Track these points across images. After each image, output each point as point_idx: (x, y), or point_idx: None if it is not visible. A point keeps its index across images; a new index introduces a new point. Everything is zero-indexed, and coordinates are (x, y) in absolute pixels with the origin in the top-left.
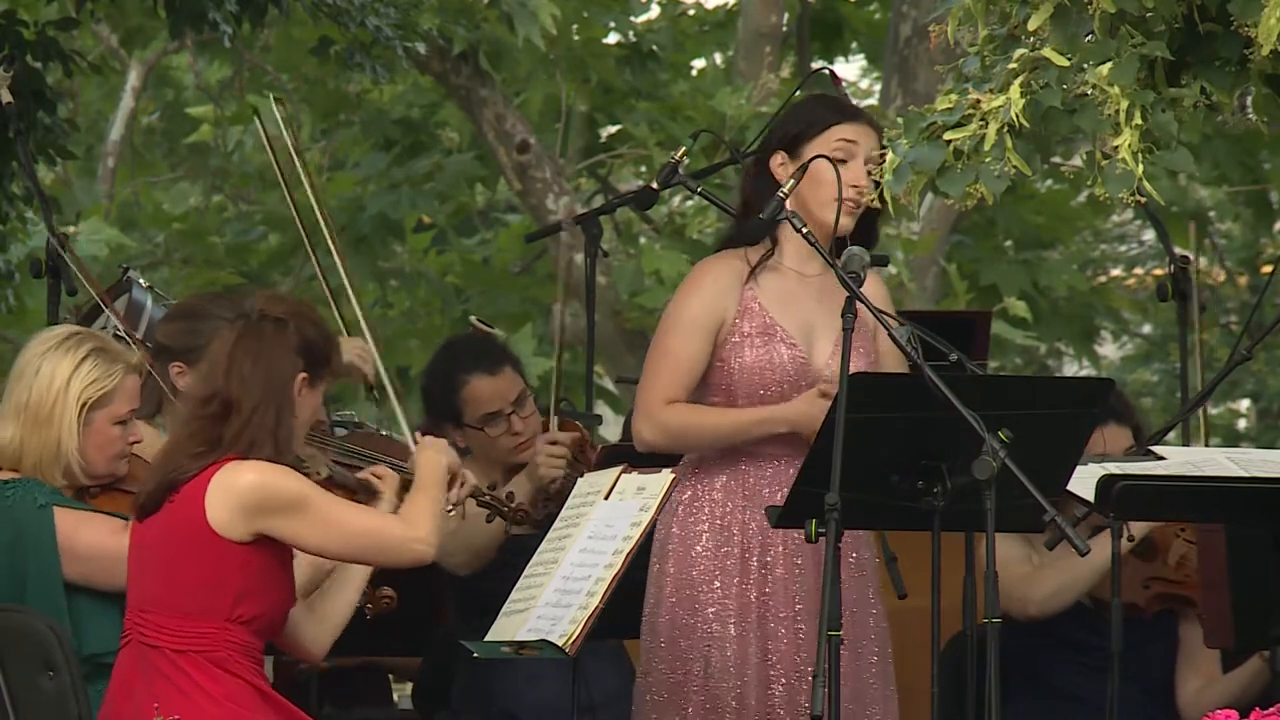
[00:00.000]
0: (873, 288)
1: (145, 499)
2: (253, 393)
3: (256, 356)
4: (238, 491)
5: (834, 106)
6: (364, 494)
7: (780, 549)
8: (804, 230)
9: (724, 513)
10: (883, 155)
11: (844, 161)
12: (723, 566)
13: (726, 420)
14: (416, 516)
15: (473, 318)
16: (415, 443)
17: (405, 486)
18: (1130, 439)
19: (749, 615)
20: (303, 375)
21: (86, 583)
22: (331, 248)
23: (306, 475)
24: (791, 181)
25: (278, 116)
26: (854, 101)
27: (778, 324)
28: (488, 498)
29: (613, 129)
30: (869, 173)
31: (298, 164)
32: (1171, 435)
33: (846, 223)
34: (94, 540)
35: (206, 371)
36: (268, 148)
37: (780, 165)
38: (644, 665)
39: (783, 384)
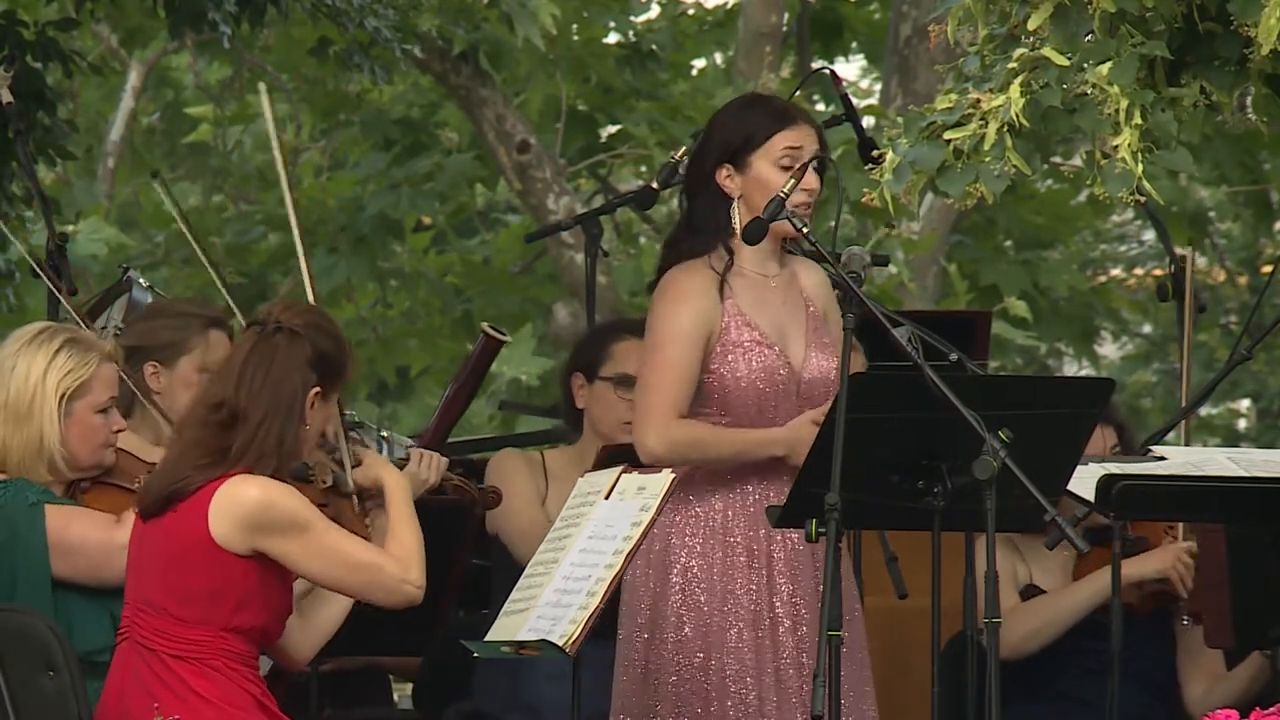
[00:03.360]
0: (819, 275)
1: (149, 502)
2: (260, 405)
3: (268, 369)
4: (241, 506)
5: (773, 113)
6: (367, 499)
7: (782, 551)
8: (805, 230)
9: (724, 520)
10: (881, 154)
11: (790, 166)
12: (728, 575)
13: (731, 439)
14: (408, 557)
15: (484, 325)
16: (353, 456)
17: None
18: (1115, 437)
19: (761, 620)
20: (315, 390)
21: (75, 579)
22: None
23: (312, 482)
24: (792, 181)
25: (266, 109)
26: (853, 100)
27: (761, 330)
28: (456, 481)
29: (613, 129)
30: (818, 172)
31: (279, 160)
32: (1171, 435)
33: (787, 227)
34: (83, 533)
35: (218, 378)
36: (275, 140)
37: (727, 178)
38: (637, 669)
39: (775, 390)
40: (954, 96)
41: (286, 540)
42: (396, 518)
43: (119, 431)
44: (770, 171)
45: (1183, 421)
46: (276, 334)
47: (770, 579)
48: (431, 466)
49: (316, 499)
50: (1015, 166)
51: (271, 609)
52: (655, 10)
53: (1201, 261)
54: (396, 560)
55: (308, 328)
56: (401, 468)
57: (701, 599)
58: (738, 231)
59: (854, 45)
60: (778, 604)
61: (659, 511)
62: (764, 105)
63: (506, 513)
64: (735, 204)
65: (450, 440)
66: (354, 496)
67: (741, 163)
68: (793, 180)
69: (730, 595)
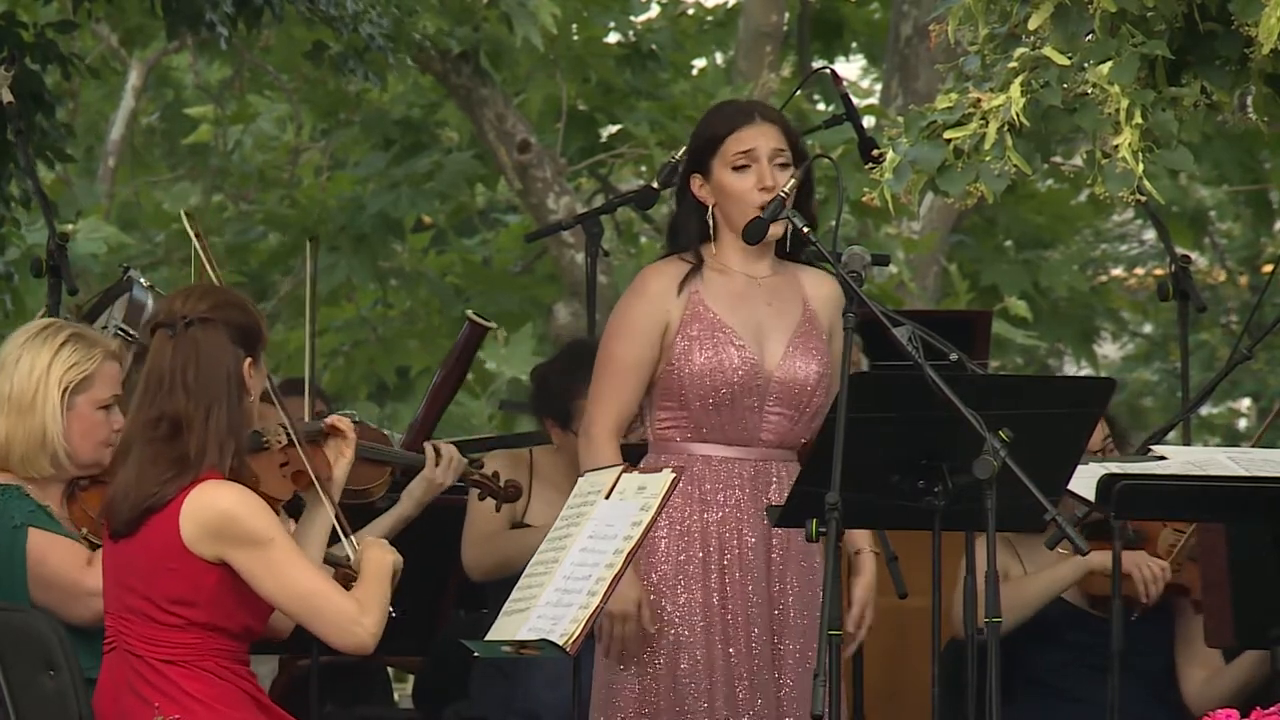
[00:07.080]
0: (829, 288)
1: (120, 525)
2: (202, 401)
3: (197, 364)
4: (209, 514)
5: (726, 116)
6: (328, 440)
7: (735, 552)
8: (806, 229)
9: (682, 517)
10: (881, 154)
11: (746, 167)
12: (685, 571)
13: None
14: (369, 601)
15: (469, 312)
16: (353, 541)
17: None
18: (1107, 428)
19: (713, 617)
20: (247, 360)
21: (47, 609)
22: None
23: (267, 447)
24: (792, 181)
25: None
26: (854, 100)
27: (726, 325)
28: (477, 476)
29: (613, 129)
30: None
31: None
32: (1172, 435)
33: (776, 229)
34: (58, 569)
35: (147, 392)
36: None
37: (700, 188)
38: (602, 673)
39: (732, 386)
40: (954, 96)
41: (247, 554)
42: (369, 575)
43: (119, 430)
44: (727, 176)
45: (1188, 421)
46: (190, 328)
47: (728, 580)
48: (450, 468)
49: (278, 460)
50: (1015, 166)
51: (250, 608)
52: (655, 10)
53: (1201, 261)
54: (356, 600)
55: (216, 309)
56: (419, 469)
57: (663, 602)
58: (713, 236)
59: (854, 45)
60: (735, 605)
61: (659, 511)
62: (722, 109)
63: (468, 521)
64: (711, 210)
65: (450, 441)
66: (320, 440)
67: (706, 170)
68: (792, 180)
69: (690, 594)
